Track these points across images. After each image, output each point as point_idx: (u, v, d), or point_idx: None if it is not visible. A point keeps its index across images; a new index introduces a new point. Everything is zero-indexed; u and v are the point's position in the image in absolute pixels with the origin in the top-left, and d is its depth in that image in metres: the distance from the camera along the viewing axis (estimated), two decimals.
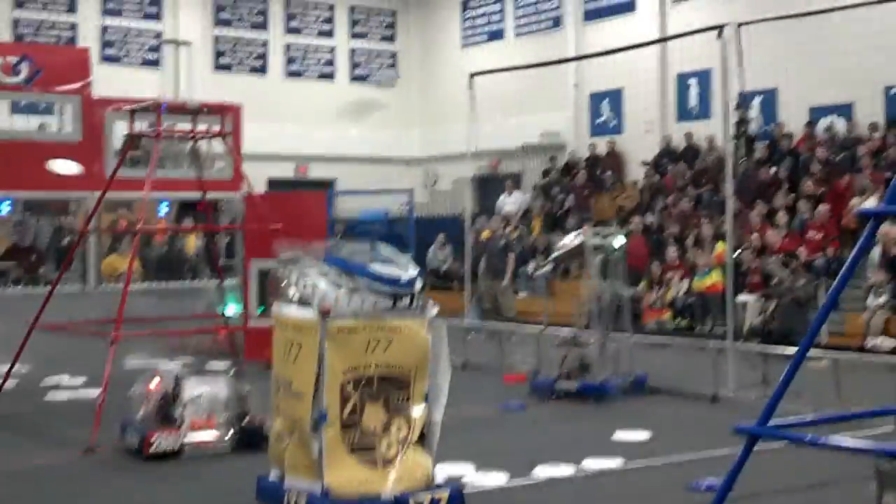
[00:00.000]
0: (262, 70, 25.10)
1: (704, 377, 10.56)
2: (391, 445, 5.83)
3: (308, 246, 6.33)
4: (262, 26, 25.20)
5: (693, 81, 20.60)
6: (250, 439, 8.07)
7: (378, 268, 6.03)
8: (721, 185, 16.64)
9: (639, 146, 21.57)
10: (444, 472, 6.45)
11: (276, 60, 25.31)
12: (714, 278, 15.69)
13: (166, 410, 8.08)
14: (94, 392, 9.18)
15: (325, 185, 22.78)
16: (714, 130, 18.95)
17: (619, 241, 11.20)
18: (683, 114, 21.04)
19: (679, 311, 16.20)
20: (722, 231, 14.63)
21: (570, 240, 11.28)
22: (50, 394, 10.97)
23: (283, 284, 6.18)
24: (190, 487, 7.27)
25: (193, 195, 11.71)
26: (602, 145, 22.16)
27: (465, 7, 25.94)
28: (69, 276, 12.03)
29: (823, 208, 15.68)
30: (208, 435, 8.04)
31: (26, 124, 16.66)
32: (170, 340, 10.09)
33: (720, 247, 16.02)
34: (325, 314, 5.79)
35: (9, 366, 9.98)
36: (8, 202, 12.98)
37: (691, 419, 9.49)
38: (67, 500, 7.02)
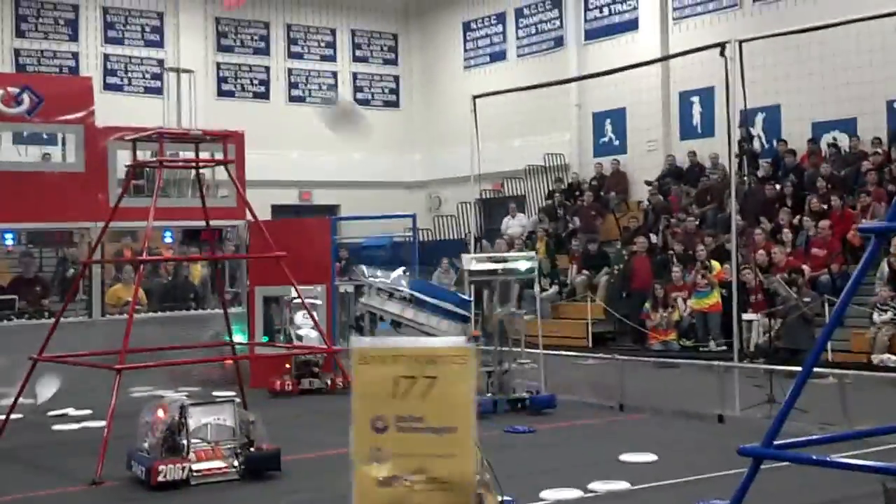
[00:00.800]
0: (264, 96, 25.19)
1: (711, 397, 10.51)
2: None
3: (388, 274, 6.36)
4: (264, 52, 25.30)
5: (696, 99, 20.61)
6: (257, 467, 8.09)
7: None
8: (725, 203, 16.63)
9: (643, 165, 21.58)
10: None
11: (278, 86, 25.40)
12: (715, 298, 15.71)
13: (173, 440, 8.05)
14: (100, 423, 9.17)
15: (329, 211, 22.83)
16: (718, 148, 18.98)
17: (525, 264, 11.30)
18: (687, 132, 21.04)
19: (684, 331, 16.16)
20: (727, 249, 14.62)
21: (473, 265, 11.35)
22: (56, 425, 10.96)
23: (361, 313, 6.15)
24: None
25: (197, 223, 11.73)
26: (606, 165, 22.18)
27: (466, 29, 26.04)
28: (74, 307, 12.02)
29: (825, 224, 15.65)
30: (215, 464, 8.02)
31: (29, 155, 16.71)
32: (175, 370, 10.07)
33: (718, 266, 16.05)
34: (474, 339, 5.69)
35: (14, 398, 9.95)
36: (11, 235, 12.98)
37: (698, 440, 9.44)
38: None
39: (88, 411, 11.22)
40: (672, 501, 7.25)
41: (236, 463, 8.08)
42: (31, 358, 9.74)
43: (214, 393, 11.26)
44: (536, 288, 12.30)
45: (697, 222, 18.12)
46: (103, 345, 10.19)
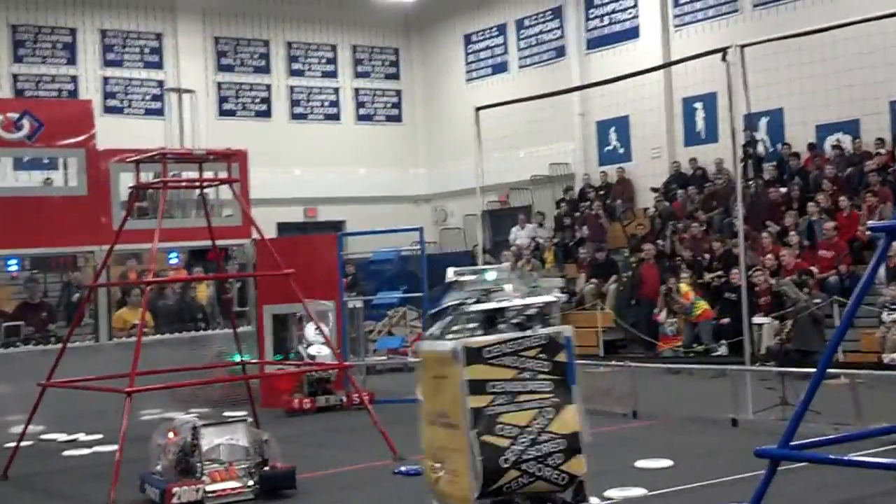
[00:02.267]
0: (266, 114, 25.27)
1: (724, 401, 10.51)
2: None
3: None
4: (265, 70, 25.40)
5: (699, 105, 20.67)
6: (272, 486, 8.09)
7: None
8: (731, 207, 16.63)
9: (647, 173, 21.64)
10: None
11: (280, 104, 25.49)
12: (702, 307, 15.84)
13: (186, 462, 8.04)
14: (111, 447, 9.17)
15: (335, 227, 22.87)
16: (722, 153, 19.00)
17: (491, 275, 11.44)
18: (690, 138, 21.09)
19: (694, 337, 16.17)
20: (734, 253, 14.60)
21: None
22: (67, 451, 10.95)
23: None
24: None
25: (203, 243, 11.74)
26: (611, 173, 22.23)
27: (467, 41, 26.13)
28: (81, 331, 12.02)
29: (830, 226, 15.67)
30: (230, 484, 8.00)
31: (30, 180, 16.75)
32: (182, 391, 10.05)
33: (684, 288, 16.23)
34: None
35: (24, 425, 9.94)
36: (15, 261, 12.98)
37: (713, 444, 9.44)
38: None
39: (99, 436, 11.20)
40: None
41: (251, 483, 8.06)
42: (39, 384, 9.74)
43: (226, 413, 11.23)
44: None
45: (704, 228, 18.12)
46: (111, 368, 10.16)
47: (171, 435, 8.19)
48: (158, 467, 8.13)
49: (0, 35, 22.30)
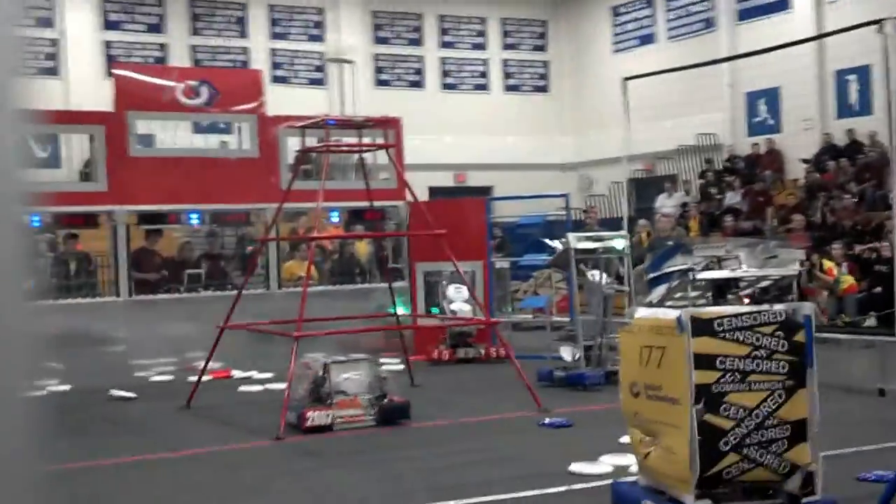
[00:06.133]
0: (419, 84, 25.98)
1: (872, 372, 10.50)
2: None
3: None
4: (418, 43, 26.10)
5: (852, 78, 20.15)
6: (389, 416, 9.21)
7: None
8: (885, 180, 16.30)
9: (798, 144, 21.24)
10: None
11: (432, 75, 26.15)
12: (848, 281, 15.63)
13: (318, 392, 9.18)
14: (280, 385, 9.97)
15: (483, 192, 23.40)
16: (875, 126, 18.57)
17: (620, 242, 11.59)
18: (843, 110, 20.60)
19: (842, 308, 15.98)
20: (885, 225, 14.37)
21: (557, 246, 11.80)
22: (242, 386, 11.89)
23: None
24: (366, 474, 7.53)
25: (362, 204, 12.45)
26: (761, 144, 21.97)
27: (615, 13, 26.11)
28: (254, 280, 12.95)
29: None
30: (354, 412, 9.12)
31: (206, 143, 17.81)
32: (345, 338, 10.79)
33: (828, 264, 15.76)
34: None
35: (205, 362, 10.90)
36: (196, 215, 14.02)
37: (860, 413, 9.28)
38: (260, 483, 7.44)
39: (270, 374, 12.15)
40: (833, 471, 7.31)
41: (372, 412, 9.16)
42: (218, 326, 10.64)
43: (381, 360, 11.94)
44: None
45: (856, 199, 17.81)
46: (280, 315, 11.01)
47: (307, 369, 9.30)
48: (297, 395, 9.21)
49: (179, 10, 23.64)
